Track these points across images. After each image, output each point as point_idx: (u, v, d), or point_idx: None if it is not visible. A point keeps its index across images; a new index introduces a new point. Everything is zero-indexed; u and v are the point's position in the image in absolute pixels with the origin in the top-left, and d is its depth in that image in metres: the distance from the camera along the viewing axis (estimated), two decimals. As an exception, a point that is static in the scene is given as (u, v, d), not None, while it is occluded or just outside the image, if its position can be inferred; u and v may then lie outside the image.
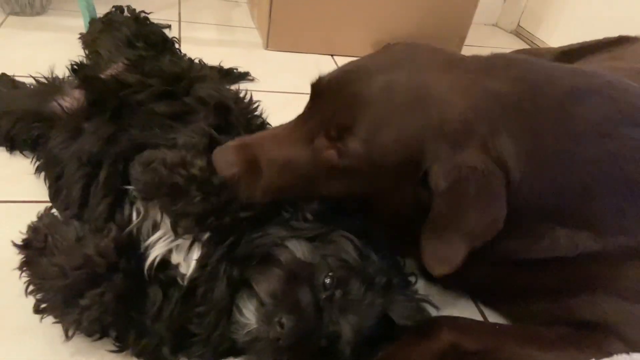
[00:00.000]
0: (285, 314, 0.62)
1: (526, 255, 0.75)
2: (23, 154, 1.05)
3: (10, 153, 1.06)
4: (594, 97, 0.72)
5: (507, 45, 2.33)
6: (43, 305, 0.67)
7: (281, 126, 0.79)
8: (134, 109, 0.87)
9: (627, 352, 0.73)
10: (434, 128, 0.68)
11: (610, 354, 0.72)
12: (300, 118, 0.77)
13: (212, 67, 1.41)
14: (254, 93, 1.51)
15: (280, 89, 1.56)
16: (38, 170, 0.95)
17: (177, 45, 1.29)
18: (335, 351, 0.68)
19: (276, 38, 1.77)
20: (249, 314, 0.66)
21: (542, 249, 0.74)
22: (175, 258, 0.71)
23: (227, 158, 0.73)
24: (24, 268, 0.68)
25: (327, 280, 0.66)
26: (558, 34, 2.18)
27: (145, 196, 0.71)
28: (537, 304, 0.80)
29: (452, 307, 0.90)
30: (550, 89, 0.72)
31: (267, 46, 1.79)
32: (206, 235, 0.70)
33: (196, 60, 1.30)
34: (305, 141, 0.74)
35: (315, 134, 0.73)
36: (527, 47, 2.34)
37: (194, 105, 0.90)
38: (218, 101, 0.89)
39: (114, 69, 1.09)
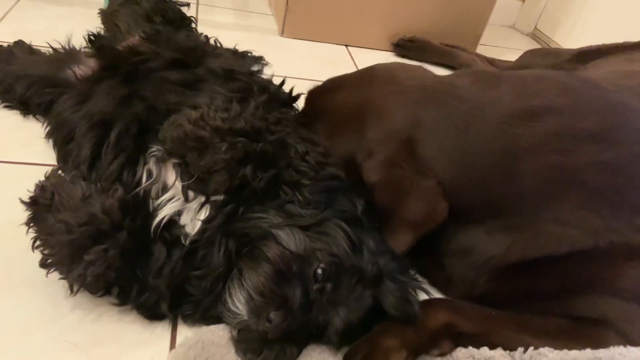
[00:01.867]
0: (273, 309, 0.64)
1: (524, 255, 0.75)
2: (36, 118, 1.06)
3: (24, 116, 1.07)
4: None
5: (523, 47, 2.31)
6: (49, 260, 0.68)
7: None
8: (146, 76, 0.88)
9: (625, 346, 0.73)
10: (367, 132, 0.81)
11: (607, 346, 0.72)
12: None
13: (227, 49, 1.42)
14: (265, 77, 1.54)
15: (294, 75, 1.56)
16: (48, 135, 0.96)
17: (194, 25, 1.30)
18: (324, 338, 0.70)
19: (292, 26, 1.78)
20: (240, 305, 0.67)
21: (525, 246, 0.75)
22: (184, 218, 0.72)
23: None
24: (31, 224, 0.69)
25: (319, 272, 0.67)
26: (575, 38, 2.17)
27: (174, 153, 0.73)
28: (538, 304, 0.79)
29: None
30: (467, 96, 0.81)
31: (282, 33, 1.80)
32: (220, 197, 0.71)
33: (212, 40, 1.31)
34: None
35: None
36: (543, 51, 2.33)
37: (206, 75, 0.91)
38: (230, 70, 0.90)
39: (130, 41, 1.10)
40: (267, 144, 0.71)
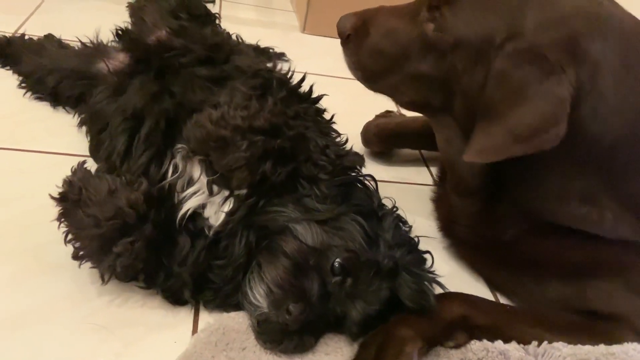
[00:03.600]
0: (292, 301, 0.66)
1: (564, 221, 0.75)
2: (65, 109, 1.10)
3: (54, 108, 1.11)
4: None
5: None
6: (81, 253, 0.72)
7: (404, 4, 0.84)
8: (177, 71, 0.91)
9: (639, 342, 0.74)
10: (526, 10, 0.68)
11: (621, 342, 0.73)
12: None
13: (248, 45, 1.44)
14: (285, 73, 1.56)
15: (314, 71, 1.58)
16: (80, 124, 1.00)
17: (218, 21, 1.33)
18: (342, 328, 0.72)
19: (313, 22, 1.80)
20: (260, 298, 0.69)
21: (583, 218, 0.73)
22: (208, 211, 0.75)
23: (347, 19, 0.84)
24: (62, 219, 0.72)
25: (336, 265, 0.69)
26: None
27: (198, 152, 0.76)
28: (553, 289, 0.80)
29: (466, 291, 0.91)
30: None
31: (303, 29, 1.82)
32: (243, 192, 0.73)
33: (234, 36, 1.34)
34: (413, 15, 0.79)
35: (422, 8, 0.78)
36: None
37: (232, 72, 0.93)
38: (257, 69, 0.92)
39: (157, 36, 1.13)
40: (286, 139, 0.73)
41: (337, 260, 0.70)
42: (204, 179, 0.76)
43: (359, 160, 0.84)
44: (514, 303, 0.89)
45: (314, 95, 0.91)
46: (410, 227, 0.86)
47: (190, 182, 0.77)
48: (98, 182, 0.71)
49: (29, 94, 1.13)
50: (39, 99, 1.12)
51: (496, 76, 0.68)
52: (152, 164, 0.78)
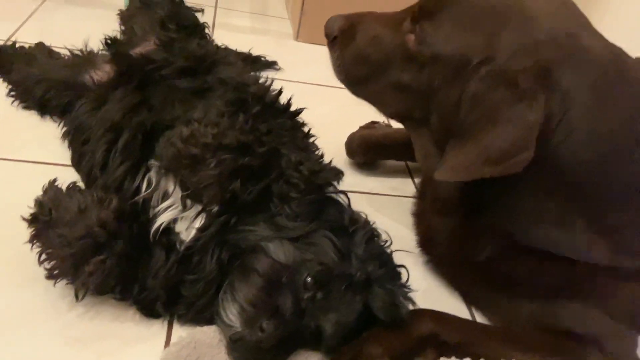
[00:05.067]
0: (265, 319, 0.67)
1: (538, 244, 0.75)
2: (52, 119, 1.11)
3: (41, 117, 1.13)
4: None
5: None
6: (55, 272, 0.73)
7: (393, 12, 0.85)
8: (158, 83, 0.92)
9: (604, 363, 0.74)
10: (503, 33, 0.68)
11: (587, 362, 0.74)
12: (409, 7, 0.81)
13: (238, 54, 1.46)
14: (278, 82, 1.56)
15: (304, 80, 1.59)
16: (64, 136, 1.01)
17: (207, 30, 1.34)
18: (319, 342, 0.73)
19: (306, 30, 1.80)
20: (233, 317, 0.70)
21: (556, 242, 0.74)
22: (179, 226, 0.76)
23: (335, 22, 0.85)
24: (34, 240, 0.73)
25: (308, 280, 0.70)
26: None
27: (170, 170, 0.77)
28: (526, 308, 0.81)
29: (443, 309, 0.88)
30: None
31: (297, 37, 1.83)
32: (215, 208, 0.74)
33: (225, 46, 1.35)
34: (398, 23, 0.80)
35: (406, 18, 0.79)
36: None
37: (214, 84, 0.94)
38: (238, 81, 0.93)
39: (144, 47, 1.15)
40: (256, 156, 0.73)
41: (309, 275, 0.71)
42: (178, 193, 0.77)
43: (334, 175, 0.85)
44: (489, 319, 0.89)
45: (294, 108, 0.92)
46: (386, 241, 0.87)
47: (165, 195, 0.78)
48: (68, 200, 0.72)
49: (17, 102, 1.14)
50: (27, 108, 1.14)
51: (470, 98, 0.69)
52: (127, 177, 0.79)
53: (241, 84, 0.87)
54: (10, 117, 1.12)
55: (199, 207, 0.75)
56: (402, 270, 0.84)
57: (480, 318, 0.91)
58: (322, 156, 0.89)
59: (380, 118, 1.32)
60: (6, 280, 0.78)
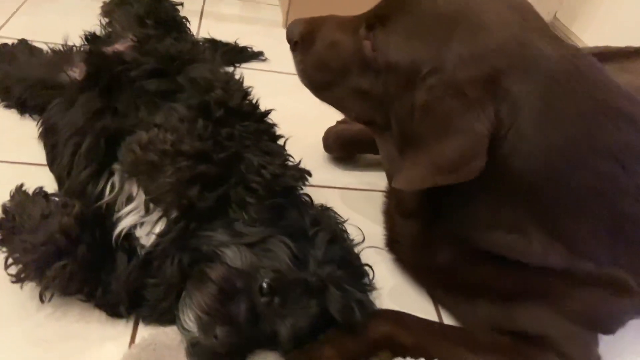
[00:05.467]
0: (219, 326, 0.69)
1: (494, 249, 0.76)
2: (32, 118, 1.13)
3: (21, 116, 1.15)
4: (632, 126, 0.70)
5: (541, 37, 2.26)
6: (21, 276, 0.75)
7: (352, 15, 0.83)
8: (125, 86, 0.92)
9: (561, 366, 0.75)
10: (451, 43, 0.67)
11: (541, 365, 0.75)
12: (366, 11, 0.81)
13: (222, 45, 1.46)
14: (264, 73, 1.56)
15: (292, 71, 1.58)
16: (40, 136, 1.03)
17: (188, 25, 1.33)
18: (276, 345, 0.75)
19: (295, 17, 1.78)
20: (190, 323, 0.72)
21: (511, 247, 0.74)
22: (139, 231, 0.78)
23: (296, 26, 0.84)
24: (0, 246, 0.76)
25: (264, 286, 0.71)
26: (592, 32, 2.10)
27: (130, 175, 0.78)
28: (483, 310, 0.82)
29: (410, 307, 0.90)
30: (597, 95, 0.69)
31: (285, 25, 1.81)
32: (175, 214, 0.76)
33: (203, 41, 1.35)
34: (355, 28, 0.79)
35: (363, 23, 0.78)
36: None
37: (185, 84, 0.95)
38: (206, 82, 0.93)
39: (122, 45, 1.15)
40: (213, 163, 0.74)
41: (265, 280, 0.72)
42: (141, 197, 0.79)
43: (299, 177, 0.86)
44: (454, 319, 0.91)
45: (262, 111, 0.92)
46: (353, 240, 0.89)
47: (129, 199, 0.80)
48: (32, 207, 0.74)
49: (-2, 102, 1.16)
50: (8, 107, 1.16)
51: (420, 108, 0.69)
52: (91, 181, 0.80)
53: (207, 87, 0.87)
54: (-9, 116, 1.14)
55: (160, 212, 0.77)
56: (369, 270, 0.86)
57: (446, 315, 0.93)
58: (287, 158, 0.89)
59: None
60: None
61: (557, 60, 0.68)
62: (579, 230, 0.72)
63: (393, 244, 0.95)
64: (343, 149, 1.21)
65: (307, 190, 0.94)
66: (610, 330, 0.83)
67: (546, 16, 2.40)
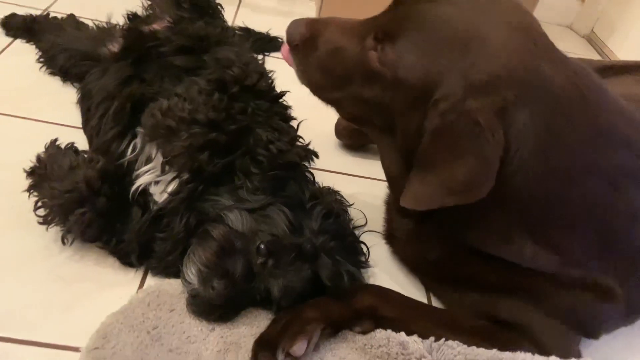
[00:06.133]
0: (217, 279, 0.76)
1: (484, 249, 0.80)
2: (73, 85, 1.24)
3: (63, 83, 1.26)
4: (626, 148, 0.74)
5: (576, 50, 2.25)
6: (48, 218, 0.85)
7: (355, 19, 0.82)
8: (154, 60, 1.01)
9: (533, 353, 0.79)
10: (462, 67, 0.68)
11: (514, 351, 0.78)
12: (371, 17, 0.80)
13: (249, 36, 1.54)
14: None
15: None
16: (77, 101, 1.13)
17: (222, 11, 1.41)
18: (268, 304, 0.82)
19: (328, 13, 1.85)
20: (192, 276, 0.79)
21: (502, 250, 0.79)
22: (153, 189, 0.86)
23: (297, 28, 0.81)
24: (31, 190, 0.86)
25: (261, 247, 0.78)
26: (627, 47, 2.09)
27: (150, 138, 0.86)
28: (470, 298, 0.86)
29: (402, 289, 0.95)
30: (596, 119, 0.73)
31: (318, 20, 1.87)
32: (186, 176, 0.84)
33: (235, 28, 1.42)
34: (361, 37, 0.77)
35: (370, 33, 0.76)
36: (597, 54, 2.26)
37: (210, 62, 1.02)
38: (228, 62, 1.00)
39: (158, 24, 1.24)
40: (224, 133, 0.81)
41: (262, 243, 0.79)
42: (159, 159, 0.86)
43: (304, 156, 0.92)
44: (442, 303, 0.95)
45: (277, 92, 0.99)
46: (351, 220, 0.94)
47: (148, 160, 0.88)
48: (62, 158, 0.83)
49: (44, 68, 1.27)
50: (52, 74, 1.27)
51: (431, 132, 0.70)
52: (115, 141, 0.89)
53: (227, 65, 0.94)
54: (37, 81, 1.26)
55: (174, 173, 0.85)
56: (364, 248, 0.92)
57: (436, 301, 0.97)
58: (296, 138, 0.95)
59: None
60: (10, 224, 0.90)
61: (562, 86, 0.70)
62: (571, 242, 0.76)
63: (390, 237, 1.00)
64: (352, 136, 1.27)
65: (317, 173, 1.00)
66: (592, 333, 0.86)
67: (583, 30, 2.39)
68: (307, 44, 0.81)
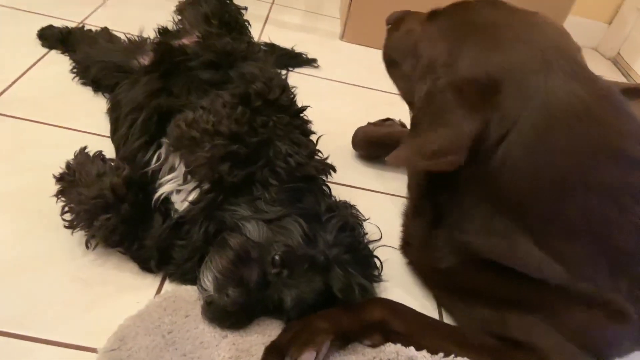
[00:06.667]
0: (232, 287, 0.78)
1: (491, 256, 0.80)
2: (104, 96, 1.29)
3: (95, 93, 1.31)
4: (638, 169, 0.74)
5: (602, 72, 2.21)
6: (74, 223, 0.89)
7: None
8: (182, 73, 1.05)
9: (545, 374, 0.78)
10: (470, 45, 0.77)
11: (525, 370, 0.78)
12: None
13: (280, 50, 1.58)
14: (314, 78, 1.67)
15: (341, 79, 1.68)
16: (107, 111, 1.18)
17: (249, 27, 1.45)
18: (281, 313, 0.83)
19: (352, 30, 1.89)
20: (208, 283, 0.81)
21: (506, 256, 0.78)
22: (175, 197, 0.89)
23: (394, 14, 1.00)
24: (59, 196, 0.90)
25: (276, 258, 0.80)
26: (654, 70, 2.07)
27: (175, 148, 0.90)
28: (479, 313, 0.86)
29: (414, 305, 0.93)
30: (602, 136, 0.73)
31: (342, 37, 1.91)
32: (207, 186, 0.87)
33: (261, 43, 1.47)
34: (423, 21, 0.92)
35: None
36: (623, 77, 2.24)
37: (235, 77, 1.06)
38: (252, 77, 1.04)
39: (188, 39, 1.29)
40: (245, 145, 0.84)
41: (277, 253, 0.81)
42: (182, 169, 0.90)
43: (321, 169, 0.94)
44: (453, 319, 0.95)
45: (299, 107, 1.02)
46: (366, 234, 0.96)
47: (172, 169, 0.92)
48: (90, 166, 0.87)
49: (77, 78, 1.33)
50: (84, 84, 1.32)
51: (424, 96, 0.79)
52: (141, 150, 0.93)
53: (251, 80, 0.97)
54: (70, 91, 1.31)
55: (195, 183, 0.88)
56: (377, 262, 0.93)
57: (447, 318, 0.97)
58: (315, 152, 0.98)
59: (396, 116, 1.40)
60: (36, 225, 0.94)
61: (563, 98, 0.72)
62: (575, 254, 0.76)
63: (406, 246, 1.01)
64: (369, 148, 1.30)
65: (334, 187, 1.02)
66: (605, 355, 0.85)
67: (609, 52, 2.38)
68: (394, 26, 0.98)
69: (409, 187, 0.98)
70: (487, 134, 0.72)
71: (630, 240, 0.75)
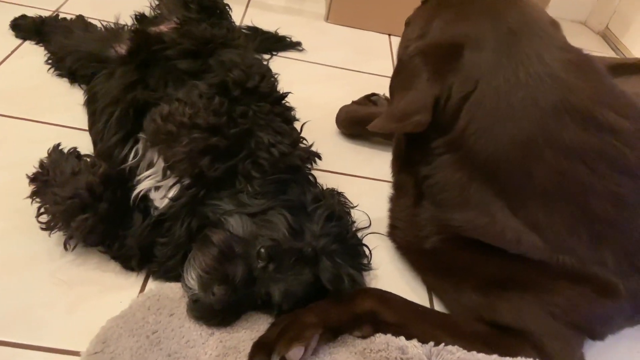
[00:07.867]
0: (217, 284, 0.76)
1: (469, 232, 0.79)
2: (80, 87, 1.24)
3: (71, 85, 1.27)
4: (611, 136, 0.73)
5: (590, 46, 2.21)
6: (51, 224, 0.85)
7: None
8: (159, 63, 1.01)
9: (534, 359, 0.77)
10: (445, 17, 0.83)
11: (515, 356, 0.77)
12: None
13: (257, 36, 1.54)
14: (298, 62, 1.63)
15: (327, 62, 1.64)
16: (84, 104, 1.14)
17: (230, 12, 1.41)
18: (269, 307, 0.82)
19: (337, 11, 1.84)
20: (192, 281, 0.79)
21: (483, 229, 0.78)
22: (154, 194, 0.86)
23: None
24: (34, 197, 0.87)
25: (262, 251, 0.78)
26: (643, 43, 2.04)
27: (152, 143, 0.87)
28: (467, 298, 0.85)
29: (405, 293, 0.92)
30: (569, 100, 0.74)
31: (327, 18, 1.87)
32: (187, 181, 0.84)
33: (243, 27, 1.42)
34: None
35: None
36: (612, 51, 2.21)
37: (214, 66, 1.02)
38: (232, 65, 1.00)
39: (166, 26, 1.24)
40: (224, 137, 0.81)
41: (262, 247, 0.79)
42: (161, 164, 0.87)
43: (306, 158, 0.92)
44: (444, 307, 0.94)
45: (280, 93, 0.99)
46: (353, 222, 0.94)
47: (150, 165, 0.89)
48: (64, 164, 0.84)
49: (52, 70, 1.28)
50: (60, 76, 1.28)
51: (396, 65, 0.87)
52: (118, 146, 0.89)
53: (229, 68, 0.94)
54: (45, 83, 1.27)
55: (175, 179, 0.85)
56: (366, 251, 0.91)
57: (438, 304, 0.96)
58: (298, 140, 0.95)
59: (381, 91, 1.40)
60: (15, 226, 0.91)
61: (525, 62, 0.75)
62: (552, 222, 0.75)
63: (393, 230, 1.00)
64: (352, 126, 1.30)
65: (321, 175, 1.00)
66: (597, 334, 0.84)
67: (598, 26, 2.34)
68: (408, 22, 0.98)
69: (392, 164, 0.98)
70: (450, 94, 0.76)
71: (609, 208, 0.73)
